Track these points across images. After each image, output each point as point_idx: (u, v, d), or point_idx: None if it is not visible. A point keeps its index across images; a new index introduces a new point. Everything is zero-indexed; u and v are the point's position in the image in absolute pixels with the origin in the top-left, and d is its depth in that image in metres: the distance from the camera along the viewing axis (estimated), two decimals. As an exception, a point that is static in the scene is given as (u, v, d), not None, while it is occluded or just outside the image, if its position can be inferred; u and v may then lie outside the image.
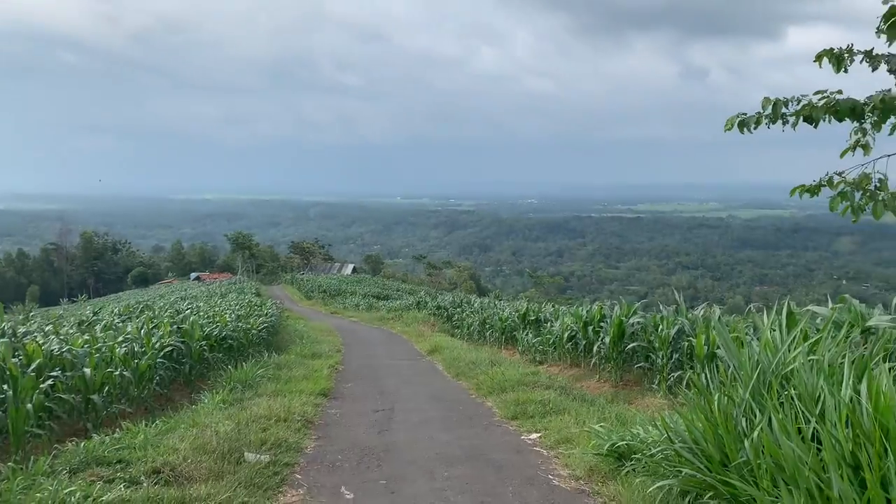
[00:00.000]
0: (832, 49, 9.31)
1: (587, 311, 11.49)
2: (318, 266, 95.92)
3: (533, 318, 15.29)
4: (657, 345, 8.89)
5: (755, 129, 9.41)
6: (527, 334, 14.81)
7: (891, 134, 9.55)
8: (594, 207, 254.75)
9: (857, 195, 9.58)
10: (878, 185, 9.35)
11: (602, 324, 10.68)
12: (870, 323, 4.05)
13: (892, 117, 8.74)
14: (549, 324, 13.76)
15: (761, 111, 9.28)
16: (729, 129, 9.47)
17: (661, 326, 8.94)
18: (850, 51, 9.25)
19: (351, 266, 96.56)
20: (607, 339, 10.14)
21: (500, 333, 17.53)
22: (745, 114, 9.40)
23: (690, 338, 8.10)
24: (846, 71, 9.44)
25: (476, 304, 24.29)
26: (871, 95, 8.80)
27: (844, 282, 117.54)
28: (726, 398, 3.61)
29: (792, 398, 3.20)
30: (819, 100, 8.93)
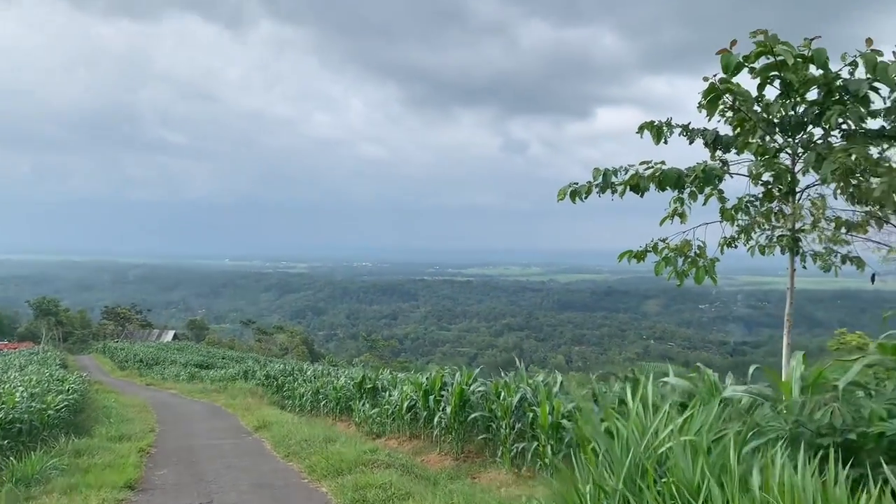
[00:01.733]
0: (653, 122, 9.73)
1: (427, 379, 11.03)
2: (134, 333, 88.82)
3: (370, 386, 14.59)
4: (499, 414, 8.57)
5: (586, 197, 9.56)
6: (364, 405, 14.08)
7: (705, 203, 10.06)
8: (427, 271, 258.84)
9: (680, 261, 9.97)
10: (697, 251, 9.77)
11: (443, 392, 10.26)
12: (726, 394, 3.90)
13: (708, 187, 9.22)
14: (387, 393, 13.14)
15: (591, 181, 9.47)
16: (562, 199, 9.56)
17: (503, 394, 8.66)
18: (668, 124, 9.71)
19: (172, 333, 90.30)
20: (448, 409, 9.71)
21: (336, 404, 16.62)
22: (577, 183, 9.54)
23: (534, 407, 7.83)
24: (666, 142, 9.87)
25: (309, 373, 23.13)
26: (692, 166, 9.24)
27: (652, 341, 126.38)
28: (597, 488, 3.23)
29: (672, 489, 2.88)
30: (645, 170, 9.25)
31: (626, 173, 9.19)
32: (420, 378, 11.29)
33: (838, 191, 8.04)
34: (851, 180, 7.62)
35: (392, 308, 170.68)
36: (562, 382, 7.93)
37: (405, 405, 11.48)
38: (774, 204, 9.43)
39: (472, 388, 9.54)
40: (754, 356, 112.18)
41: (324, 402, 17.64)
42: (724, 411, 3.97)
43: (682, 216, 9.88)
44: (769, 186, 9.30)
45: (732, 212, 9.39)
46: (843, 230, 8.20)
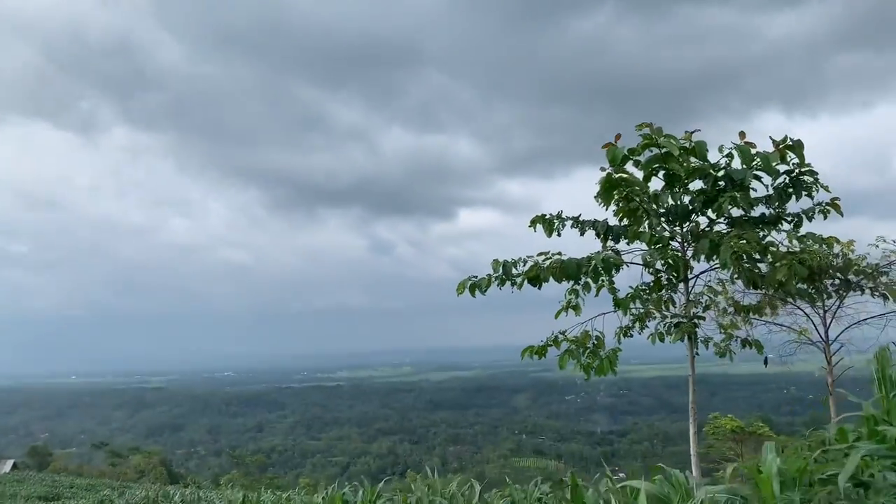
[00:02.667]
0: (544, 215, 9.73)
1: (324, 499, 9.88)
2: (-37, 467, 78.50)
3: (252, 512, 13.13)
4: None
5: (486, 290, 9.30)
6: (246, 533, 12.59)
7: (597, 295, 10.03)
8: (295, 378, 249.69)
9: (583, 355, 9.78)
10: (594, 342, 9.64)
11: None
12: (699, 496, 3.54)
13: (603, 277, 9.23)
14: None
15: (491, 273, 9.24)
16: (461, 293, 9.24)
17: None
18: (560, 217, 9.73)
19: (10, 462, 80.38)
20: (352, 535, 8.68)
21: (211, 534, 14.89)
22: (476, 276, 9.29)
23: None
24: (559, 235, 9.86)
25: (177, 498, 20.87)
26: (591, 255, 9.24)
27: (524, 436, 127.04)
28: None
29: None
30: (544, 261, 9.14)
31: (524, 265, 9.07)
32: (316, 499, 10.06)
33: (735, 275, 8.23)
34: (745, 265, 7.83)
35: (258, 420, 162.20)
36: (481, 491, 7.26)
37: (298, 531, 10.24)
38: (664, 292, 9.57)
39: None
40: (621, 445, 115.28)
41: (198, 533, 15.81)
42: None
43: (576, 308, 9.79)
44: (659, 275, 9.45)
45: (629, 300, 9.43)
46: (743, 314, 8.40)
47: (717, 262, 8.65)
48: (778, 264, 6.83)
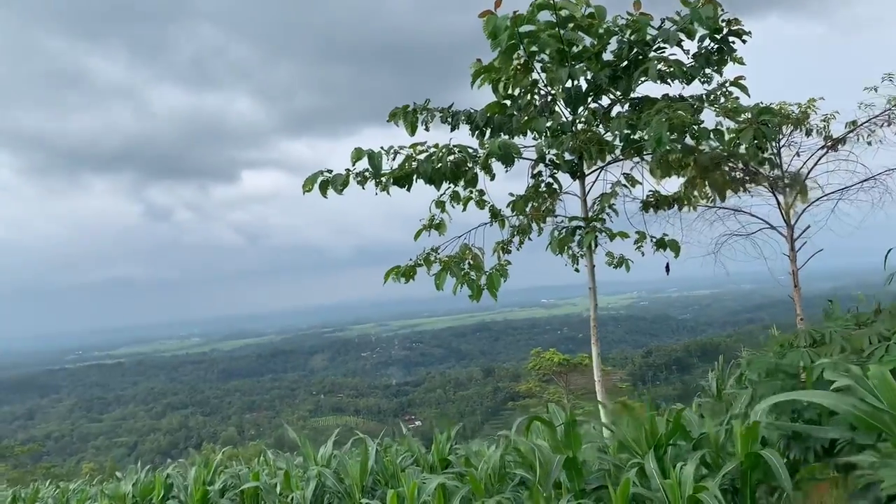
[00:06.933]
0: (406, 106, 7.74)
1: (134, 486, 7.22)
2: None
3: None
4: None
5: (342, 189, 7.15)
6: (18, 538, 9.60)
7: (464, 209, 8.35)
8: (68, 358, 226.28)
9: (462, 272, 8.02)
10: (471, 261, 7.90)
11: (168, 501, 6.72)
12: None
13: (487, 176, 7.55)
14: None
15: (350, 168, 7.12)
16: (309, 191, 6.98)
17: (278, 486, 5.62)
18: (427, 108, 7.77)
19: None
20: (183, 523, 6.34)
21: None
22: (331, 171, 7.13)
23: (368, 499, 4.78)
24: (427, 129, 7.89)
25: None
26: (484, 146, 7.49)
27: (323, 396, 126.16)
28: None
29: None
30: (419, 152, 7.20)
31: (393, 158, 7.15)
32: (123, 487, 7.26)
33: (661, 157, 6.89)
34: (683, 141, 6.54)
35: (27, 406, 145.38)
36: (377, 451, 5.27)
37: (98, 529, 7.54)
38: (547, 200, 8.17)
39: (217, 485, 6.27)
40: (416, 394, 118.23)
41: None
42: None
43: (440, 227, 8.06)
44: (539, 179, 8.02)
45: (523, 203, 7.93)
46: (676, 205, 7.14)
47: (620, 152, 7.37)
48: (739, 128, 5.48)
